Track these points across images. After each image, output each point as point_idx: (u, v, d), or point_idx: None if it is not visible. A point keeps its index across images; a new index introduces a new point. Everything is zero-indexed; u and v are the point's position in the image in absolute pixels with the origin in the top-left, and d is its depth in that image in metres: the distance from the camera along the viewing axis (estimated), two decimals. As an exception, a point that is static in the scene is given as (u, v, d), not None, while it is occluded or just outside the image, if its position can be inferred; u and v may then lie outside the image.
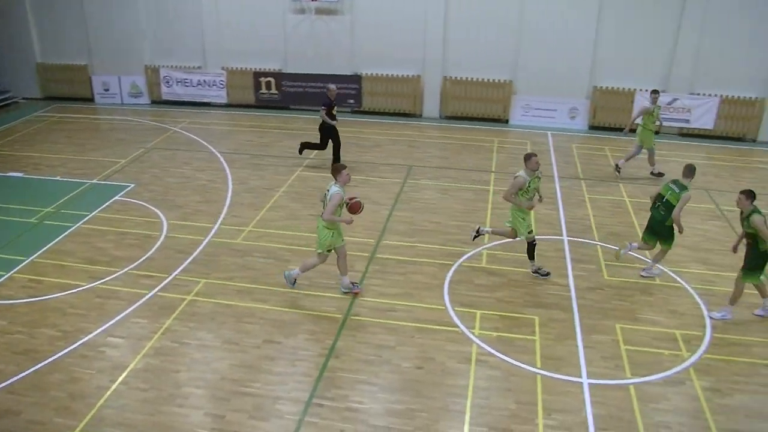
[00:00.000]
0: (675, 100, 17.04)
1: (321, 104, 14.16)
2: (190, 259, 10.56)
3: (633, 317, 9.26)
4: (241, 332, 8.71)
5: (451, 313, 9.19)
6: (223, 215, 12.23)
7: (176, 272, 10.16)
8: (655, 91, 14.23)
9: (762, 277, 9.17)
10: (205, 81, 19.56)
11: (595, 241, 11.48)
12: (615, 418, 7.31)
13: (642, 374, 8.08)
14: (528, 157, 9.79)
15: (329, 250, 9.37)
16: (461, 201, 12.94)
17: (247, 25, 18.91)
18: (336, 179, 9.17)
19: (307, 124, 17.88)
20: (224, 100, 19.71)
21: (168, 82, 19.75)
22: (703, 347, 8.67)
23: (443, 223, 11.86)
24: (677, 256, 10.83)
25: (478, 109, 18.26)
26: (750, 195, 8.82)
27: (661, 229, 9.91)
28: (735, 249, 9.43)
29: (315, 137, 14.54)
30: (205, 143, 16.28)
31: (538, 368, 8.11)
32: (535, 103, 17.89)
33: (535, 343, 8.61)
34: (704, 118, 17.18)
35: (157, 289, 9.67)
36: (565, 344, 8.61)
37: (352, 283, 9.69)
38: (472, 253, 10.86)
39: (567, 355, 8.40)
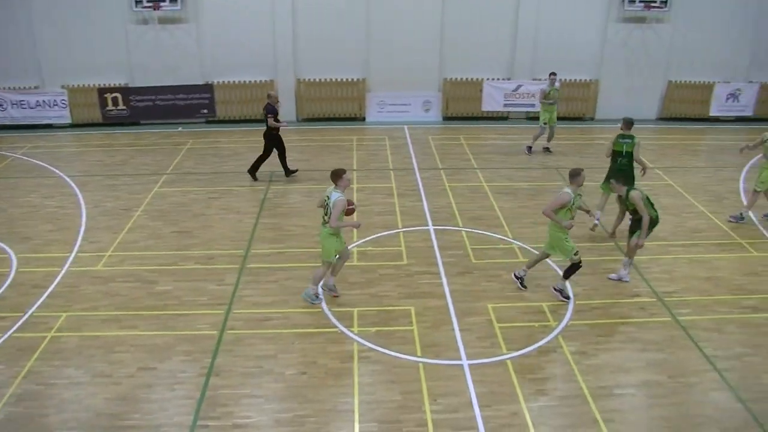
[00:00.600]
0: (519, 86, 17.98)
1: (266, 112, 13.69)
2: (47, 293, 9.84)
3: (503, 296, 9.69)
4: (113, 363, 8.23)
5: (329, 314, 9.20)
6: (78, 242, 11.50)
7: (32, 309, 9.42)
8: (552, 74, 15.43)
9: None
10: (44, 101, 18.29)
11: (459, 227, 11.90)
12: (497, 394, 7.61)
13: (517, 348, 8.47)
14: (576, 173, 9.16)
15: (336, 256, 9.19)
16: (328, 202, 12.97)
17: (85, 39, 17.73)
18: (336, 184, 8.84)
19: (162, 139, 17.24)
20: (68, 120, 18.50)
21: (2, 105, 18.28)
22: (567, 315, 9.24)
23: (311, 226, 11.81)
24: (536, 233, 11.45)
25: (334, 109, 18.37)
26: (620, 180, 9.90)
27: (627, 178, 10.80)
28: (612, 234, 10.95)
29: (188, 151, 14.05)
30: (51, 168, 15.24)
31: (419, 357, 8.29)
32: (390, 99, 18.26)
33: (414, 332, 8.79)
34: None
35: (11, 331, 8.91)
36: (442, 330, 8.86)
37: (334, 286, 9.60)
38: (343, 252, 10.91)
39: (445, 340, 8.65)
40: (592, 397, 7.64)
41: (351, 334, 8.73)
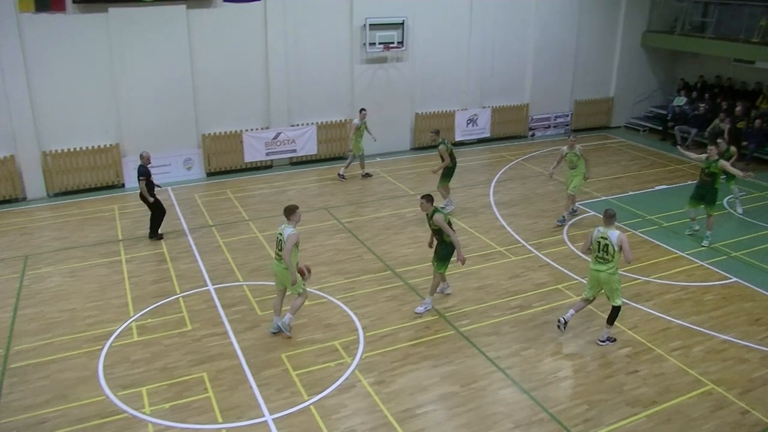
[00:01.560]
0: (279, 134, 18.22)
1: (138, 175, 13.05)
2: None
3: (294, 343, 9.61)
4: None
5: (114, 399, 8.42)
6: None
7: None
8: (362, 110, 17.13)
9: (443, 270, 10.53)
10: None
11: (240, 282, 11.65)
12: (304, 443, 7.50)
13: (317, 392, 8.42)
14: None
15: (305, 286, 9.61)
16: (94, 279, 11.93)
17: None
18: (289, 219, 9.27)
19: None
20: None
21: None
22: (360, 349, 9.41)
23: (79, 308, 10.81)
24: (316, 275, 11.58)
25: (89, 179, 17.05)
26: (429, 198, 10.15)
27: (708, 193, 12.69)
28: (430, 245, 10.71)
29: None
30: None
31: (220, 423, 7.89)
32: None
33: (211, 399, 8.36)
34: (308, 146, 18.73)
35: None
36: (239, 390, 8.54)
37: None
38: (120, 330, 10.09)
39: (245, 399, 8.34)
40: (397, 422, 7.84)
41: (143, 417, 8.06)
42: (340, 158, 19.12)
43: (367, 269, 12.02)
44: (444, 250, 10.30)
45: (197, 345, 9.62)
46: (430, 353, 9.34)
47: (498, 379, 8.80)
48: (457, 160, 14.82)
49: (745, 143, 19.20)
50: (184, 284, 11.53)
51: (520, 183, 17.29)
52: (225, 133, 17.91)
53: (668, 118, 22.39)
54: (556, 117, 22.82)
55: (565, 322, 9.78)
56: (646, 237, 13.70)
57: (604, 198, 16.04)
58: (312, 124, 18.74)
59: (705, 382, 8.82)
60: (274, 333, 9.80)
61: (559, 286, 11.45)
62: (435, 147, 15.09)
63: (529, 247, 13.13)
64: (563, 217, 14.39)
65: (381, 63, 19.11)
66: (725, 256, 12.78)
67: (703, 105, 21.29)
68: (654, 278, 11.88)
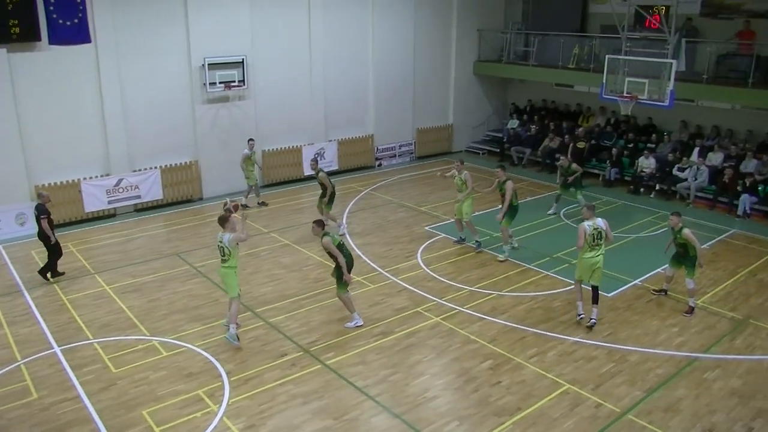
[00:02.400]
0: (121, 180, 17.36)
1: (38, 213, 12.89)
2: None
3: (155, 397, 9.11)
4: None
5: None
6: None
7: None
8: (250, 139, 17.90)
9: (347, 291, 10.90)
10: None
11: (90, 339, 10.89)
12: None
13: (183, 446, 8.04)
14: (592, 207, 11.05)
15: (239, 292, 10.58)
16: None
17: None
18: (224, 227, 10.22)
19: None
20: None
21: None
22: (226, 395, 9.10)
23: None
24: (171, 324, 11.13)
25: None
26: (320, 223, 10.74)
27: (685, 259, 11.72)
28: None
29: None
30: None
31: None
32: (-28, 220, 15.95)
33: (65, 470, 7.72)
34: (153, 191, 18.00)
35: None
36: (97, 456, 7.95)
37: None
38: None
39: (103, 465, 7.78)
40: (270, 466, 7.62)
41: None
42: (188, 201, 18.55)
43: (225, 313, 11.66)
44: (337, 272, 10.75)
45: (46, 414, 8.84)
46: (298, 390, 9.22)
47: (369, 407, 8.83)
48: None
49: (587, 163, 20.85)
50: (26, 349, 10.58)
51: (371, 212, 17.62)
52: (61, 183, 16.80)
53: (504, 140, 23.93)
54: (401, 146, 23.60)
55: (592, 321, 11.04)
56: (497, 254, 14.39)
57: (452, 220, 16.68)
58: (155, 168, 18.05)
59: (561, 382, 9.38)
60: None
61: (419, 309, 11.74)
62: (316, 178, 15.53)
63: (386, 273, 13.38)
64: (478, 242, 14.85)
65: (223, 102, 18.86)
66: (567, 264, 13.70)
67: (534, 126, 22.95)
68: (506, 292, 12.51)
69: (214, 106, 18.73)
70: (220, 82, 18.30)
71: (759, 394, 9.19)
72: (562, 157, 17.25)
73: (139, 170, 17.83)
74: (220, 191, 18.83)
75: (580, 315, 11.21)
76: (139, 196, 17.83)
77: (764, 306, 12.07)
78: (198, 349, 10.35)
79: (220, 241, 10.23)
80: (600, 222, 10.74)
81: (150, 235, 16.09)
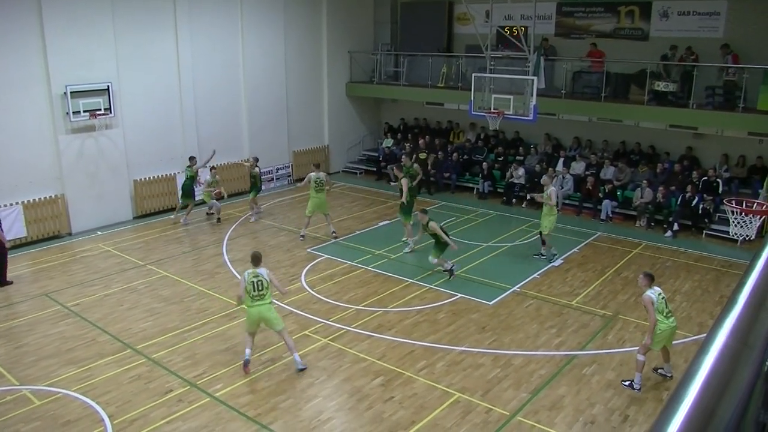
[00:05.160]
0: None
1: None
2: None
3: (28, 450, 8.47)
4: None
5: None
6: None
7: None
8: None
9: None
10: None
11: (-51, 394, 9.97)
12: None
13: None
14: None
15: None
16: None
17: None
18: (259, 265, 10.18)
19: None
20: None
21: None
22: (108, 439, 8.60)
23: None
24: (42, 370, 10.40)
25: None
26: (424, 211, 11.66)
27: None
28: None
29: None
30: None
31: None
32: None
33: None
34: (15, 228, 16.76)
35: None
36: None
37: None
38: None
39: None
40: None
41: None
42: (56, 237, 17.46)
43: (103, 352, 11.06)
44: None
45: None
46: (187, 427, 8.86)
47: (262, 436, 8.63)
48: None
49: (447, 174, 21.59)
50: None
51: (251, 238, 17.34)
52: None
53: (380, 159, 24.32)
54: (278, 169, 23.44)
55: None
56: (379, 271, 14.58)
57: (333, 241, 16.74)
58: (17, 204, 16.85)
59: (451, 392, 9.59)
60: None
61: (306, 332, 11.66)
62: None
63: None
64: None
65: (89, 131, 17.94)
66: (447, 277, 14.06)
67: (408, 144, 23.49)
68: (392, 308, 12.66)
69: (80, 136, 17.79)
70: (84, 111, 17.41)
71: (631, 385, 9.82)
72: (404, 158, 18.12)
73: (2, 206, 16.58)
74: (90, 225, 17.89)
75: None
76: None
77: (630, 302, 12.94)
78: (75, 394, 9.71)
79: (256, 276, 9.94)
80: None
81: (14, 276, 14.94)
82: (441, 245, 13.78)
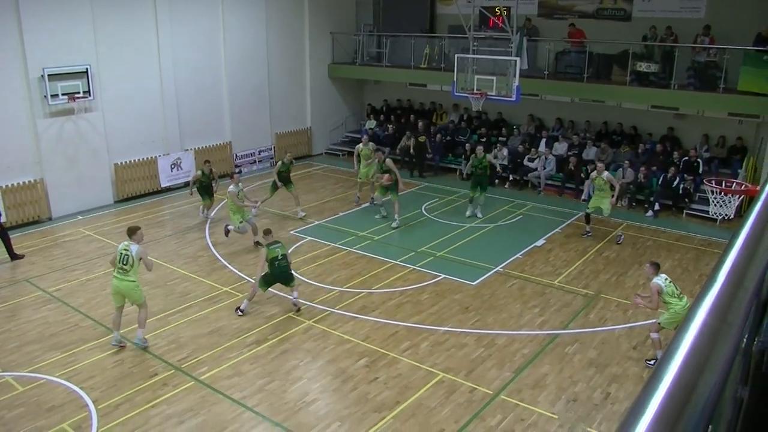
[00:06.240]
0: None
1: None
2: None
3: (12, 436, 8.44)
4: None
5: None
6: None
7: None
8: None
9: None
10: None
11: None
12: None
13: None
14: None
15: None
16: None
17: None
18: (132, 238, 10.09)
19: None
20: None
21: None
22: (94, 425, 8.57)
23: None
24: (25, 356, 10.32)
25: None
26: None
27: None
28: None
29: None
30: None
31: None
32: None
33: None
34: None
35: None
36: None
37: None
38: None
39: None
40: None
41: None
42: (35, 222, 17.27)
43: (86, 337, 11.00)
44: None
45: None
46: (173, 410, 8.86)
47: (248, 419, 8.66)
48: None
49: (430, 155, 21.58)
50: None
51: (236, 221, 17.25)
52: None
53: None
54: (260, 151, 23.30)
55: None
56: (363, 252, 14.61)
57: (317, 222, 16.72)
58: (-6, 189, 16.64)
59: (436, 372, 9.67)
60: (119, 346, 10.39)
61: (291, 314, 11.67)
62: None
63: (254, 281, 13.14)
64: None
65: (68, 115, 17.70)
66: (431, 258, 14.14)
67: (391, 126, 23.44)
68: (376, 289, 12.70)
69: (58, 120, 17.56)
70: (63, 94, 17.16)
71: (612, 362, 9.96)
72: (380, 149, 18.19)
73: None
74: (71, 209, 17.71)
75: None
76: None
77: (611, 281, 13.09)
78: (58, 380, 9.67)
79: (126, 250, 9.98)
80: None
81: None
82: (393, 186, 15.64)
